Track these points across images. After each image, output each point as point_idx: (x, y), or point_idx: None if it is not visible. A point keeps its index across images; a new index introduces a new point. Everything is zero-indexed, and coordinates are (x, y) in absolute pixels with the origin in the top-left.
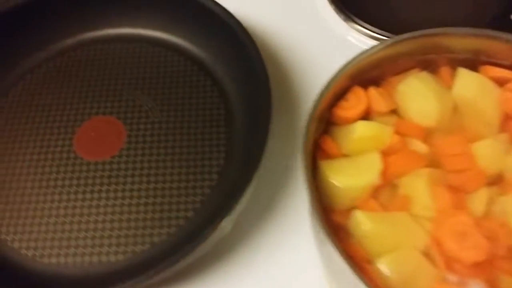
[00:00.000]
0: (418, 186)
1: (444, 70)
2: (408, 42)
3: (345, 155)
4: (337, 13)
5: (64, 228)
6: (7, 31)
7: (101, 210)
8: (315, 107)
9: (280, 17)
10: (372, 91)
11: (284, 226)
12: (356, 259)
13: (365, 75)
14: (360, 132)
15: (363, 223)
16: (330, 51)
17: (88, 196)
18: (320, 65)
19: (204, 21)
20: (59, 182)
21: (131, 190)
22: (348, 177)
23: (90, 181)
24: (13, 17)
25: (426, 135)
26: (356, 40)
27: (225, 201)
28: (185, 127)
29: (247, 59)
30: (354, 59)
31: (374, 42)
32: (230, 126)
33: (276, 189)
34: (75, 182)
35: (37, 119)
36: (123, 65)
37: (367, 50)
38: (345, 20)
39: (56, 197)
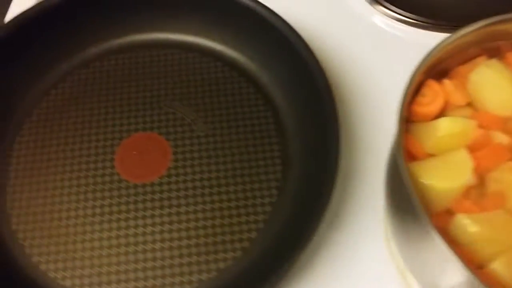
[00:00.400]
0: (510, 181)
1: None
2: (480, 30)
3: (429, 155)
4: None
5: (113, 260)
6: (24, 43)
7: (157, 237)
8: (402, 106)
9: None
10: (448, 84)
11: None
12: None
13: (436, 67)
14: (446, 129)
15: (469, 227)
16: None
17: (140, 222)
18: (361, 59)
19: (242, 22)
20: (106, 209)
21: (187, 212)
22: (444, 178)
23: (140, 205)
24: (30, 28)
25: (505, 125)
26: (387, 26)
27: (291, 221)
28: (233, 139)
29: (297, 63)
30: (431, 52)
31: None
32: (282, 135)
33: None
34: (123, 208)
35: (70, 139)
36: (156, 74)
37: (442, 42)
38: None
39: (105, 226)
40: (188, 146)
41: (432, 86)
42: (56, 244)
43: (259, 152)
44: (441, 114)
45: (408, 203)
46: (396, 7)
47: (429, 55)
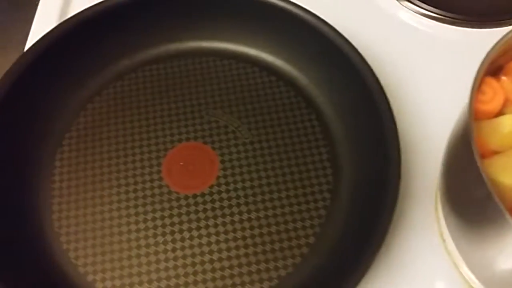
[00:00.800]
0: None
1: None
2: None
3: (494, 152)
4: None
5: (171, 274)
6: (55, 61)
7: (213, 247)
8: (470, 105)
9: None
10: (506, 80)
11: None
12: None
13: (493, 64)
14: (511, 126)
15: None
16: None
17: (194, 233)
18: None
19: (275, 24)
20: (158, 222)
21: (241, 221)
22: None
23: (193, 216)
24: (60, 45)
25: None
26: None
27: (349, 227)
28: (280, 144)
29: (341, 64)
30: (492, 49)
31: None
32: (328, 137)
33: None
34: (176, 220)
35: (113, 153)
36: (193, 83)
37: (501, 39)
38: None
39: (160, 239)
40: (235, 154)
41: (491, 83)
42: (111, 261)
43: (307, 155)
44: (501, 111)
45: (481, 200)
46: (425, 3)
47: (491, 52)
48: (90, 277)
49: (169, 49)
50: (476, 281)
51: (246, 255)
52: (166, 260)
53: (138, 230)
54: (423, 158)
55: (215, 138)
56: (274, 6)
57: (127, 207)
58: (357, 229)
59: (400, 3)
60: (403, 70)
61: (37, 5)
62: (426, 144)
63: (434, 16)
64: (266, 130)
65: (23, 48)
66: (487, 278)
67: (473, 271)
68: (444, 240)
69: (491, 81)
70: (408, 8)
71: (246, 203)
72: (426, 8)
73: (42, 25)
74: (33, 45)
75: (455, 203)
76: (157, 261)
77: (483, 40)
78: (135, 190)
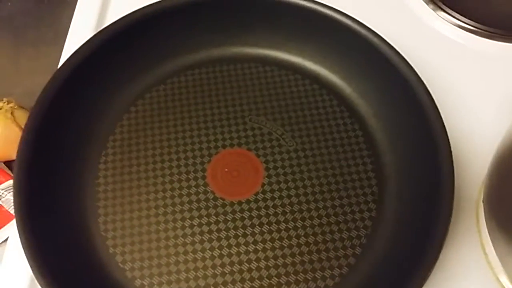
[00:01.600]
0: None
1: None
2: None
3: None
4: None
5: (218, 281)
6: (99, 64)
7: (260, 255)
8: None
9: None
10: None
11: None
12: None
13: None
14: None
15: None
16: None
17: (241, 240)
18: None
19: (318, 31)
20: (205, 228)
21: (287, 229)
22: None
23: (239, 223)
24: (104, 49)
25: None
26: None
27: (396, 240)
28: (324, 153)
29: (387, 73)
30: None
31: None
32: (372, 147)
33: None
34: (222, 226)
35: (157, 158)
36: (236, 89)
37: None
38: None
39: (206, 245)
40: (279, 162)
41: None
42: (158, 266)
43: (351, 165)
44: None
45: None
46: (462, 15)
47: None
48: (138, 282)
49: (212, 54)
50: None
51: (293, 263)
52: (213, 266)
53: (184, 236)
54: (464, 170)
55: (259, 145)
56: (319, 14)
57: (173, 212)
58: (408, 242)
59: (437, 13)
60: (440, 81)
61: (68, 1)
62: (467, 157)
63: (470, 29)
64: (310, 138)
65: (58, 45)
66: None
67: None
68: (485, 253)
69: None
70: (444, 19)
71: (292, 211)
72: (463, 20)
73: (80, 25)
74: (79, 48)
75: (502, 216)
76: (204, 268)
77: None
78: (180, 195)
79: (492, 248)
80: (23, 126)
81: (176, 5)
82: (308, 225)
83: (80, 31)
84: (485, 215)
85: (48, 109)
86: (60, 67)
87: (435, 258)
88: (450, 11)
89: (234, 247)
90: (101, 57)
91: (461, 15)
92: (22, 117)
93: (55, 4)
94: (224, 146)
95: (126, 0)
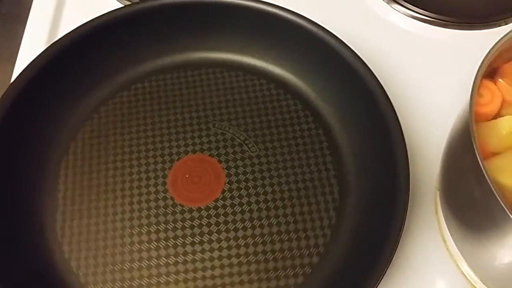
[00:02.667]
0: None
1: None
2: None
3: (493, 153)
4: None
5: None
6: (62, 69)
7: (216, 263)
8: (471, 108)
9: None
10: (502, 83)
11: None
12: None
13: (489, 66)
14: (510, 127)
15: None
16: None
17: (197, 248)
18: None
19: (280, 36)
20: (162, 235)
21: (245, 237)
22: None
23: (197, 230)
24: (67, 54)
25: None
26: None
27: (355, 248)
28: (287, 159)
29: (346, 75)
30: (489, 52)
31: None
32: (336, 154)
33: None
34: (180, 233)
35: (118, 164)
36: (200, 94)
37: (498, 41)
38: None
39: (162, 252)
40: (241, 168)
41: (488, 86)
42: (112, 272)
43: (314, 171)
44: (499, 113)
45: (482, 200)
46: (416, 6)
47: (488, 54)
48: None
49: (175, 60)
50: (478, 280)
51: (248, 272)
52: (168, 274)
53: (140, 242)
54: (422, 158)
55: (221, 150)
56: (279, 17)
57: (131, 218)
58: (366, 243)
59: (391, 6)
60: (396, 73)
61: (23, 18)
62: (424, 145)
63: (425, 19)
64: (273, 144)
65: (13, 63)
66: (488, 277)
67: (474, 270)
68: (445, 241)
69: (488, 84)
70: (398, 11)
71: (251, 219)
72: (417, 10)
73: (32, 39)
74: (33, 61)
75: (455, 203)
76: (158, 275)
77: (473, 41)
78: (139, 201)
79: (450, 236)
80: None
81: (133, 13)
82: (266, 233)
83: (33, 45)
84: (440, 203)
85: (6, 116)
86: (13, 81)
87: (394, 245)
88: (403, 3)
89: (189, 254)
90: (56, 68)
91: (415, 5)
92: None
93: (10, 21)
94: (186, 152)
95: (79, 12)
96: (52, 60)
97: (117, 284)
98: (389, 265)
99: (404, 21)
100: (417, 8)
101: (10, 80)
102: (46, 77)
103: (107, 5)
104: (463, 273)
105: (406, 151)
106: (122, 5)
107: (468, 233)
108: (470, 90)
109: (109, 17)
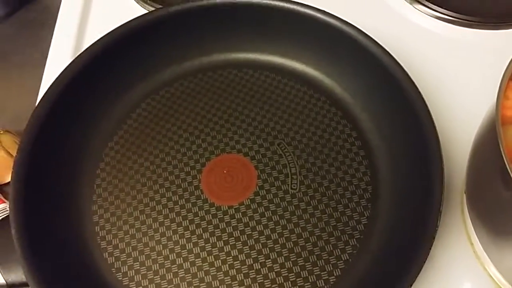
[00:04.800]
0: None
1: None
2: None
3: None
4: None
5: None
6: (95, 74)
7: (249, 261)
8: (497, 111)
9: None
10: None
11: None
12: None
13: None
14: None
15: None
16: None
17: (232, 245)
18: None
19: (306, 33)
20: (198, 233)
21: (275, 239)
22: None
23: (228, 229)
24: (101, 59)
25: None
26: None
27: (388, 251)
28: (321, 161)
29: (380, 75)
30: None
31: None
32: (369, 156)
33: None
34: (217, 232)
35: (154, 165)
36: (236, 94)
37: None
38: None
39: (197, 251)
40: (275, 170)
41: None
42: (149, 269)
43: (347, 176)
44: None
45: (510, 203)
46: (438, 6)
47: None
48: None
49: (216, 59)
50: (506, 282)
51: (278, 273)
52: (207, 273)
53: (176, 243)
54: (448, 160)
55: (254, 151)
56: (300, 14)
57: (169, 218)
58: (397, 247)
59: (414, 7)
60: (421, 74)
61: (50, 24)
62: (450, 147)
63: (449, 19)
64: (308, 146)
65: (43, 67)
66: None
67: (501, 273)
68: (472, 243)
69: None
70: (421, 11)
71: (282, 217)
72: (440, 10)
73: (60, 46)
74: (75, 59)
75: (482, 206)
76: (194, 275)
77: (499, 41)
78: (175, 202)
79: (477, 238)
80: (9, 150)
81: (160, 17)
82: (295, 235)
83: (60, 51)
84: (467, 206)
85: (39, 131)
86: (47, 90)
87: (429, 248)
88: (426, 3)
89: (222, 254)
90: (88, 75)
91: (438, 5)
92: (9, 141)
93: (39, 27)
94: (219, 153)
95: (105, 17)
96: (83, 68)
97: (156, 281)
98: (420, 270)
99: (428, 21)
100: (441, 8)
101: (39, 86)
102: (77, 87)
103: (131, 11)
104: (490, 276)
105: (441, 154)
106: (146, 11)
107: (495, 236)
108: (497, 92)
109: (140, 21)
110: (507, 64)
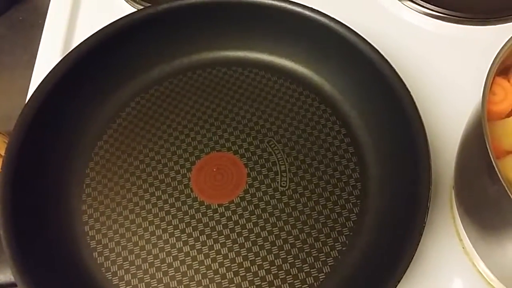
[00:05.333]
0: None
1: None
2: None
3: (508, 152)
4: None
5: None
6: (84, 74)
7: (238, 260)
8: (483, 107)
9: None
10: None
11: None
12: None
13: (502, 64)
14: None
15: None
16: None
17: (222, 243)
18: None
19: (295, 31)
20: (187, 231)
21: (264, 237)
22: None
23: (218, 227)
24: (90, 58)
25: None
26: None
27: (376, 247)
28: (308, 156)
29: (368, 71)
30: (501, 50)
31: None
32: (358, 153)
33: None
34: (202, 229)
35: (143, 164)
36: (225, 92)
37: (510, 39)
38: None
39: (188, 248)
40: (264, 168)
41: (501, 84)
42: (138, 268)
43: (336, 173)
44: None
45: (496, 199)
46: (428, 2)
47: (501, 52)
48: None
49: (204, 58)
50: (494, 278)
51: (268, 271)
52: (196, 271)
53: (166, 241)
54: (436, 156)
55: (244, 149)
56: (289, 12)
57: (155, 215)
58: (386, 244)
59: (403, 3)
60: (409, 70)
61: (40, 24)
62: (438, 143)
63: (437, 15)
64: (297, 144)
65: (32, 67)
66: (504, 275)
67: (490, 269)
68: (461, 239)
69: (501, 81)
70: (410, 8)
71: (272, 215)
72: (428, 7)
73: (49, 45)
74: (63, 58)
75: (470, 202)
76: (183, 274)
77: (487, 37)
78: (165, 200)
79: (466, 234)
80: None
81: (149, 16)
82: (283, 234)
83: (50, 51)
84: (455, 201)
85: (28, 131)
86: (35, 89)
87: (416, 244)
88: (415, 0)
89: (208, 250)
90: (76, 74)
91: (426, 2)
92: None
93: (28, 27)
94: (208, 151)
95: (94, 17)
96: (71, 67)
97: (145, 280)
98: (408, 266)
99: (416, 17)
100: (429, 5)
101: (29, 86)
102: (66, 85)
103: (120, 9)
104: (479, 272)
105: (429, 150)
106: (135, 9)
107: (483, 232)
108: (483, 88)
109: (128, 20)
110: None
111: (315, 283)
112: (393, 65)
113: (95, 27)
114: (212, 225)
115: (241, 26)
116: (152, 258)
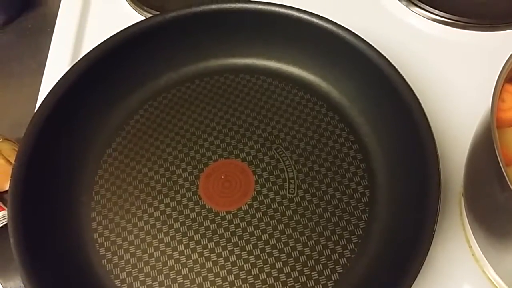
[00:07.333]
0: None
1: None
2: None
3: None
4: None
5: None
6: (91, 83)
7: (245, 267)
8: (492, 113)
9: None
10: None
11: None
12: None
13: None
14: None
15: None
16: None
17: (230, 250)
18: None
19: (303, 38)
20: (196, 238)
21: (273, 244)
22: None
23: (226, 234)
24: (97, 67)
25: None
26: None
27: (384, 256)
28: (316, 163)
29: (377, 79)
30: (510, 57)
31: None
32: (367, 160)
33: None
34: (215, 238)
35: (151, 172)
36: (233, 100)
37: None
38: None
39: (194, 256)
40: (272, 175)
41: (511, 91)
42: (147, 275)
43: (344, 180)
44: None
45: (506, 207)
46: (435, 8)
47: (510, 59)
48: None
49: (212, 65)
50: (504, 285)
51: (276, 278)
52: (205, 278)
53: (175, 249)
54: (446, 162)
55: (252, 157)
56: (297, 20)
57: (167, 224)
58: (396, 250)
59: (410, 9)
60: (417, 76)
61: (49, 32)
62: (448, 149)
63: (444, 21)
64: (305, 151)
65: (41, 75)
66: None
67: (500, 276)
68: (470, 246)
69: (510, 88)
70: (417, 14)
71: (280, 222)
72: (436, 12)
73: (58, 53)
74: (72, 67)
75: (479, 209)
76: (192, 281)
77: (494, 43)
78: (174, 208)
79: (475, 241)
80: (8, 158)
81: (157, 24)
82: (292, 242)
83: (59, 58)
84: (465, 208)
85: (37, 139)
86: (45, 97)
87: (426, 251)
88: (422, 5)
89: (222, 257)
90: (85, 83)
91: (433, 8)
92: (8, 149)
93: (37, 35)
94: (217, 158)
95: (102, 24)
96: (80, 76)
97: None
98: (418, 273)
99: (424, 23)
100: (436, 10)
101: (37, 94)
102: (76, 93)
103: (128, 18)
104: (489, 279)
105: (438, 157)
106: (143, 18)
107: (493, 239)
108: (492, 95)
109: (140, 26)
110: (502, 66)
111: None
112: (401, 72)
113: (103, 35)
114: (221, 232)
115: (249, 33)
116: (160, 265)
